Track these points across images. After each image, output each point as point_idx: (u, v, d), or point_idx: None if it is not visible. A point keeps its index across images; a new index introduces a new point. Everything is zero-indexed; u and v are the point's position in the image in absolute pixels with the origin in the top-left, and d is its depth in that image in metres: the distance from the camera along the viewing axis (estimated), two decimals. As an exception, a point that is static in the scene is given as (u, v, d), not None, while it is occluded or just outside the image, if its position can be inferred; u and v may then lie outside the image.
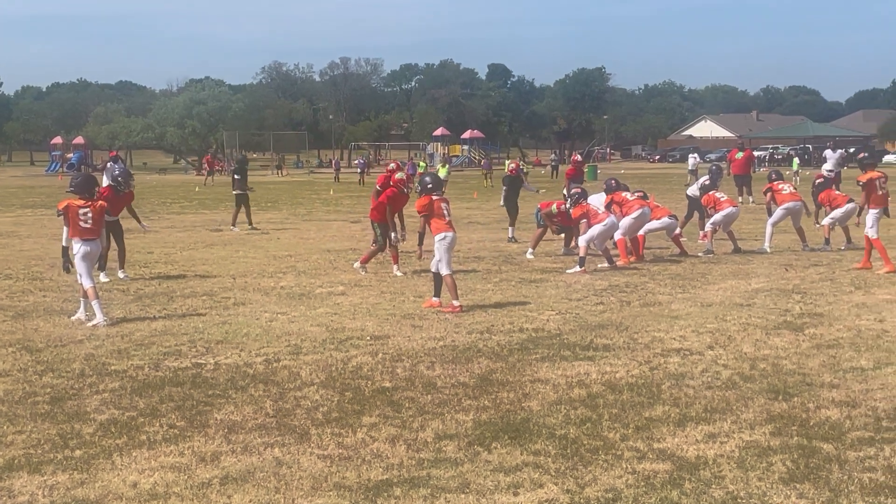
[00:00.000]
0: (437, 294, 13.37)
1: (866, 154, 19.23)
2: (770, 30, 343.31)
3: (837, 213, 19.50)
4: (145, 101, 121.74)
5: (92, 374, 9.62)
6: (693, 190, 21.56)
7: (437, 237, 13.24)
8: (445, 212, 13.51)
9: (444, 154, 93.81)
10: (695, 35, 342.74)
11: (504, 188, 23.76)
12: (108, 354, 10.48)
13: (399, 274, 16.46)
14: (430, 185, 13.65)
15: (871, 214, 16.51)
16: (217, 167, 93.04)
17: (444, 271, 13.11)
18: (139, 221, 17.38)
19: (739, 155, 35.85)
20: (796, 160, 65.38)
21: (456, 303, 12.95)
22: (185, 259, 19.38)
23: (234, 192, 26.69)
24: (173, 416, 8.08)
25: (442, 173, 50.30)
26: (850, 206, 19.39)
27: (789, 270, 16.56)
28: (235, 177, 26.65)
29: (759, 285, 14.98)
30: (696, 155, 58.77)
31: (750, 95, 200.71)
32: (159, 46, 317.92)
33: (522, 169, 24.57)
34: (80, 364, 10.04)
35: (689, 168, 54.68)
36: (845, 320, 12.02)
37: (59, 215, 12.59)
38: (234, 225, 26.04)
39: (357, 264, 16.97)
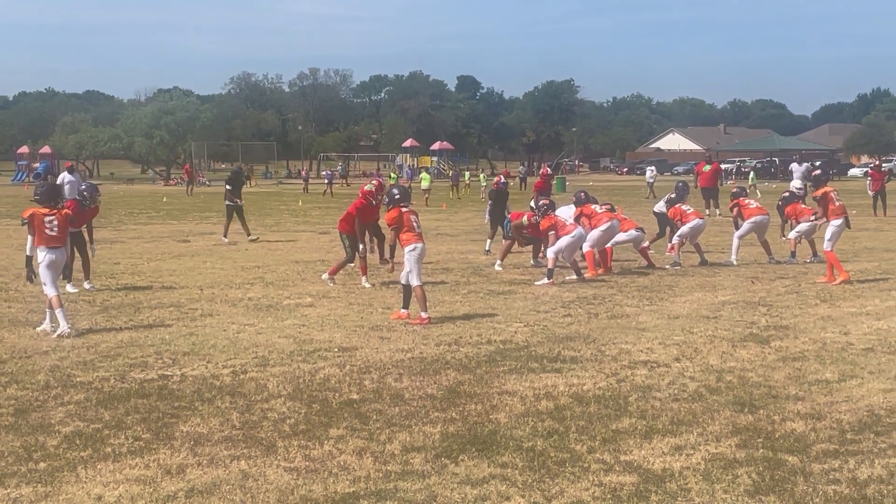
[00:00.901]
0: (406, 306, 13.38)
1: (819, 171, 19.49)
2: (737, 44, 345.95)
3: (803, 226, 19.63)
4: (113, 110, 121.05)
5: (57, 385, 9.55)
6: (660, 206, 21.61)
7: (407, 248, 13.27)
8: (415, 223, 13.54)
9: (429, 164, 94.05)
10: (663, 48, 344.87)
11: (490, 202, 23.15)
12: (73, 366, 10.40)
13: (367, 286, 16.43)
14: (397, 197, 13.71)
15: (830, 227, 16.71)
16: (185, 178, 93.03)
17: (415, 282, 13.14)
18: (90, 240, 17.13)
19: (707, 168, 36.09)
20: (752, 174, 65.96)
21: (424, 314, 12.97)
22: (152, 270, 19.27)
23: (225, 203, 26.45)
24: (139, 429, 8.03)
25: (425, 183, 50.49)
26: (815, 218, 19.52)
27: (755, 283, 16.67)
28: (227, 187, 26.44)
29: (725, 298, 15.07)
30: (653, 168, 59.24)
31: (717, 109, 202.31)
32: (127, 56, 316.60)
33: (507, 183, 24.37)
34: (44, 376, 9.96)
35: (648, 180, 54.93)
36: (811, 333, 12.11)
37: (23, 224, 12.51)
38: (224, 235, 25.69)
39: (325, 275, 16.92)
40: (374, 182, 18.25)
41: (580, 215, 18.39)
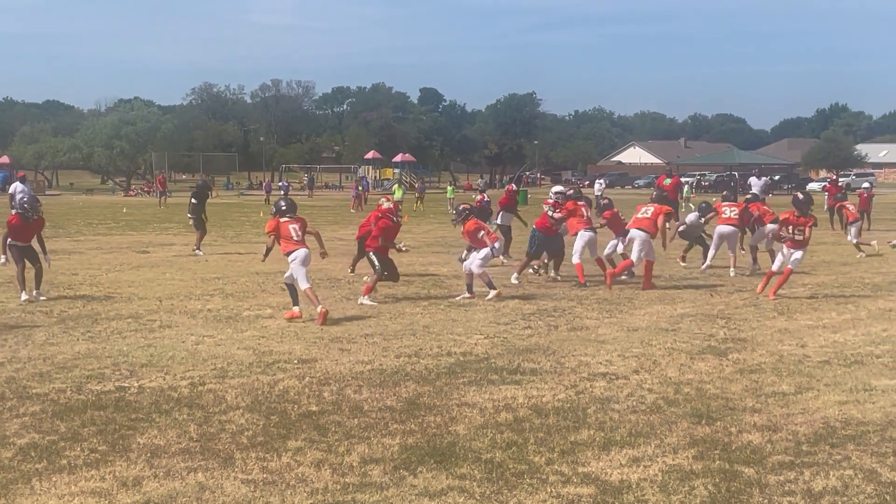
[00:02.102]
0: (296, 303, 14.29)
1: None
2: (698, 59, 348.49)
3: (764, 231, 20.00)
4: (73, 120, 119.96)
5: (12, 397, 9.45)
6: (691, 218, 21.65)
7: (288, 256, 14.46)
8: (293, 232, 14.63)
9: (391, 176, 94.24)
10: (624, 63, 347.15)
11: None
12: (29, 377, 10.31)
13: (367, 303, 15.99)
14: (283, 208, 14.92)
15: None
16: (145, 188, 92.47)
17: (303, 285, 14.22)
18: (44, 251, 17.01)
19: (668, 181, 36.30)
20: (686, 187, 66.32)
21: (320, 308, 13.86)
22: (111, 281, 19.13)
23: (190, 216, 25.98)
24: (95, 441, 7.97)
25: (397, 195, 50.59)
26: (771, 226, 19.67)
27: (714, 296, 16.79)
28: (193, 201, 26.05)
29: (684, 310, 15.16)
30: (601, 181, 59.91)
31: (678, 123, 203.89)
32: (87, 66, 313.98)
33: (490, 201, 24.35)
34: (0, 387, 9.85)
35: (595, 193, 55.31)
36: (768, 345, 12.21)
37: None
38: (198, 248, 25.30)
39: (364, 299, 16.19)
40: (386, 199, 18.39)
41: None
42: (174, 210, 52.17)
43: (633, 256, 17.80)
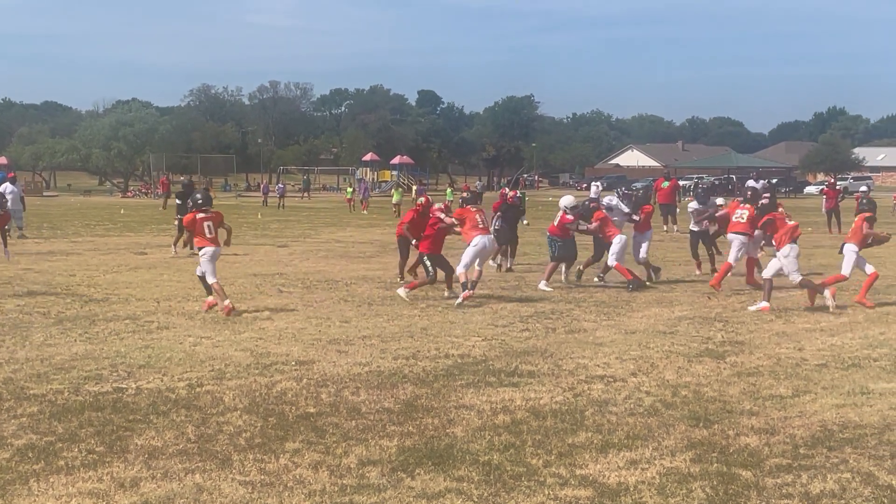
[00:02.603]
0: (209, 294, 15.21)
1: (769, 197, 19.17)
2: (696, 62, 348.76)
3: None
4: (71, 121, 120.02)
5: (10, 398, 9.45)
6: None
7: (200, 251, 15.25)
8: (207, 229, 15.30)
9: (388, 178, 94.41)
10: (622, 66, 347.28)
11: (499, 217, 22.38)
12: (26, 378, 10.30)
13: (404, 296, 16.40)
14: (200, 202, 15.56)
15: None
16: (143, 190, 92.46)
17: (210, 280, 15.03)
18: (5, 245, 17.04)
19: (666, 184, 36.35)
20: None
21: (227, 302, 14.79)
22: (109, 282, 19.12)
23: (177, 217, 25.81)
24: (92, 442, 7.96)
25: (395, 198, 51.14)
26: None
27: (712, 299, 16.79)
28: (178, 202, 26.06)
29: (682, 313, 15.17)
30: (598, 183, 60.06)
31: (676, 126, 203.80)
32: (85, 67, 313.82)
33: (521, 197, 23.99)
34: (-3, 388, 9.86)
35: (591, 196, 55.31)
36: (765, 348, 12.21)
37: None
38: (175, 247, 25.29)
39: (402, 291, 16.69)
40: (423, 198, 18.64)
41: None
42: (173, 211, 52.18)
43: (731, 258, 17.95)
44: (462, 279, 16.29)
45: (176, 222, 26.17)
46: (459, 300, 15.99)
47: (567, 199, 19.17)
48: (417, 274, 18.07)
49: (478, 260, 16.50)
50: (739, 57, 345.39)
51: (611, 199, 20.20)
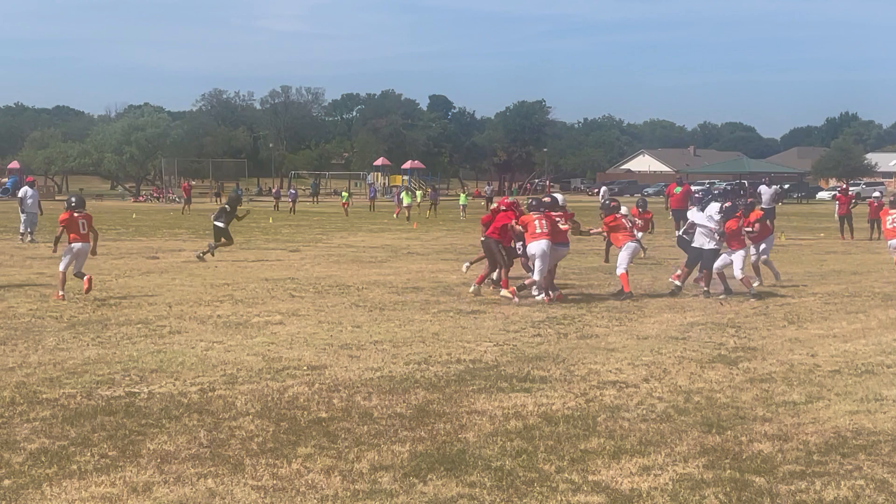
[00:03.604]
0: (62, 288, 17.14)
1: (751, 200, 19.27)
2: (708, 66, 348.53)
3: (764, 246, 19.85)
4: (83, 126, 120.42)
5: (22, 402, 9.46)
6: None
7: (72, 244, 17.23)
8: (80, 226, 17.28)
9: (399, 182, 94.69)
10: (634, 71, 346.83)
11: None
12: (39, 382, 10.32)
13: (506, 295, 17.08)
14: (73, 203, 17.52)
15: (738, 255, 17.68)
16: (155, 194, 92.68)
17: (61, 267, 17.17)
18: None
19: (678, 189, 36.29)
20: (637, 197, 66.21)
21: (61, 293, 16.87)
22: (121, 286, 19.16)
23: (215, 223, 25.96)
24: (105, 446, 7.97)
25: (406, 201, 51.89)
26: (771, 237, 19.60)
27: (724, 304, 16.75)
28: (226, 208, 26.11)
29: (694, 319, 15.14)
30: (606, 188, 60.66)
31: (687, 131, 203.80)
32: (98, 72, 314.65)
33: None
34: (10, 392, 9.87)
35: (602, 200, 55.56)
36: (778, 354, 12.18)
37: None
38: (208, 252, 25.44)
39: (504, 292, 17.23)
40: (495, 204, 18.93)
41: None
42: (194, 217, 52.37)
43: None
44: (536, 285, 17.04)
45: (215, 229, 25.91)
46: (539, 297, 17.01)
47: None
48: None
49: (540, 264, 16.77)
50: (752, 62, 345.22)
51: (697, 214, 18.84)
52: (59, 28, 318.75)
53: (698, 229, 18.28)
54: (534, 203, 17.82)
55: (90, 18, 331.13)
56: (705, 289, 18.03)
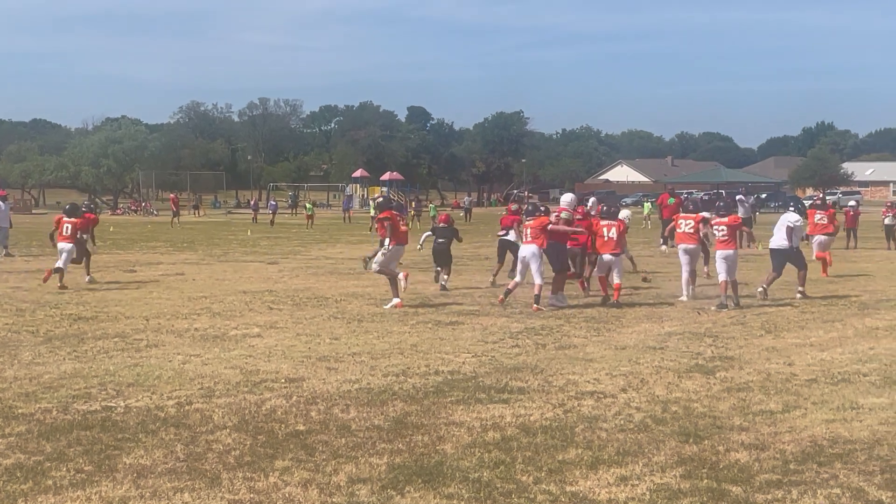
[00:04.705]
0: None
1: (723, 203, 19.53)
2: (685, 77, 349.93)
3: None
4: (60, 139, 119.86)
5: (-2, 417, 9.40)
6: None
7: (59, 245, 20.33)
8: (65, 229, 20.28)
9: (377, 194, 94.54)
10: (612, 81, 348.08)
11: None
12: (14, 397, 10.26)
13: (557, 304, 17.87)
14: (66, 209, 20.32)
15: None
16: (133, 207, 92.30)
17: (59, 264, 19.87)
18: None
19: (672, 200, 36.28)
20: (647, 204, 66.46)
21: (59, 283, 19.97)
22: (98, 300, 19.07)
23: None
24: (81, 461, 7.93)
25: (373, 212, 51.85)
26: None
27: (701, 314, 16.80)
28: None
29: (671, 329, 15.18)
30: (594, 198, 60.48)
31: (665, 141, 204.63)
32: (74, 85, 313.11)
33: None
34: (-15, 407, 9.81)
35: (591, 209, 55.52)
36: (755, 364, 12.22)
37: None
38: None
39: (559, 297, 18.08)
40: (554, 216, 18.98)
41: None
42: (181, 230, 52.19)
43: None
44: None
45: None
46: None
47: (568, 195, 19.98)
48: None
49: (533, 266, 17.71)
50: (728, 72, 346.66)
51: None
52: (36, 41, 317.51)
53: (782, 231, 19.68)
54: (530, 209, 18.63)
55: (67, 31, 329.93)
56: (764, 287, 19.09)
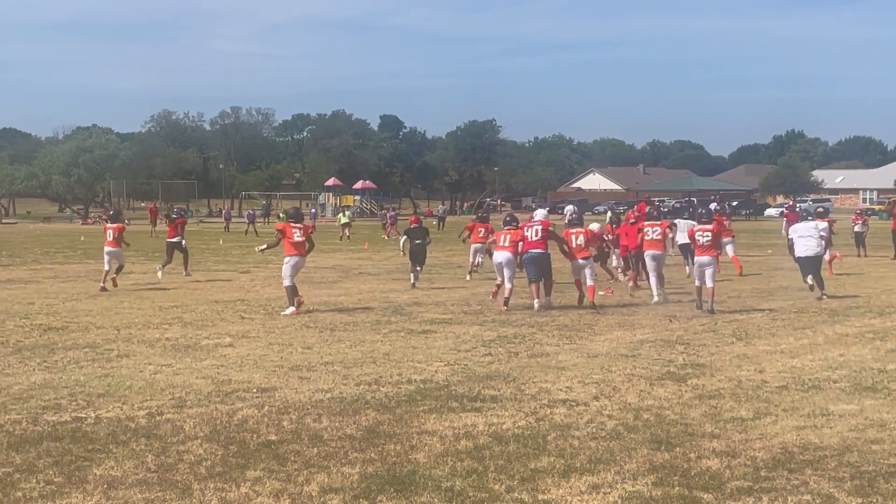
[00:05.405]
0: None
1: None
2: (656, 86, 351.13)
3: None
4: (31, 148, 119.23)
5: (-34, 429, 9.33)
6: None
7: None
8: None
9: (351, 203, 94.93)
10: (583, 90, 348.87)
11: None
12: (-16, 409, 10.18)
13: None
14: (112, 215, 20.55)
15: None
16: (104, 216, 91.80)
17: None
18: None
19: (649, 208, 36.42)
20: (609, 214, 66.61)
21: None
22: (68, 310, 18.96)
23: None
24: (51, 472, 7.87)
25: (343, 220, 52.54)
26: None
27: (673, 322, 16.86)
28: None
29: (644, 336, 15.22)
30: (572, 206, 60.88)
31: (637, 149, 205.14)
32: (45, 94, 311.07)
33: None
34: (-46, 419, 9.73)
35: (569, 217, 55.84)
36: (727, 371, 12.27)
37: None
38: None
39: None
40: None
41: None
42: (159, 240, 51.86)
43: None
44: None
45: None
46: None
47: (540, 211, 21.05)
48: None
49: (507, 272, 18.99)
50: (699, 81, 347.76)
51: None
52: (5, 50, 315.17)
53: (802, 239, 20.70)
54: (508, 219, 19.77)
55: (37, 40, 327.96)
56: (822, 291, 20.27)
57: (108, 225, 24.54)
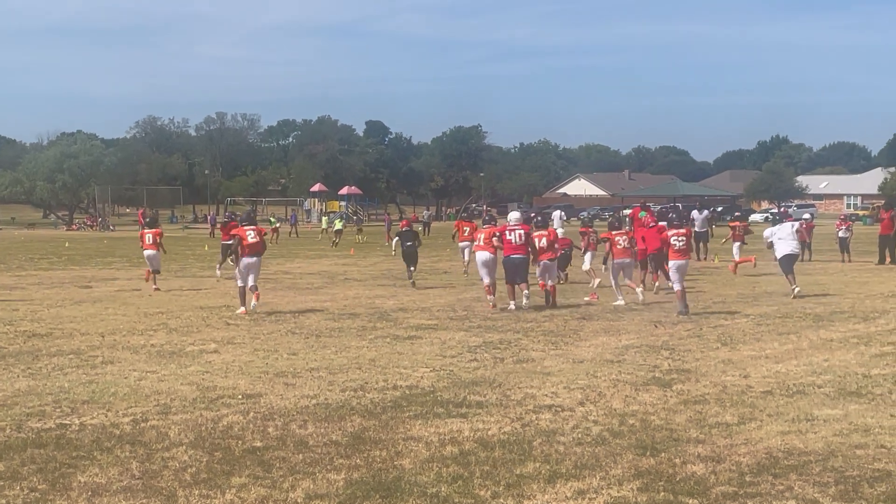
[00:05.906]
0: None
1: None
2: (641, 92, 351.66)
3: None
4: (15, 154, 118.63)
5: (-50, 436, 9.29)
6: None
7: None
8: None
9: (337, 208, 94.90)
10: (569, 95, 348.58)
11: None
12: (-33, 416, 10.14)
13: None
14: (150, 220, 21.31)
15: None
16: (88, 222, 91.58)
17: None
18: None
19: (643, 214, 36.40)
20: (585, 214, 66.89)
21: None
22: (52, 316, 18.89)
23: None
24: (35, 479, 7.84)
25: (338, 226, 52.70)
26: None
27: (658, 327, 16.89)
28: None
29: (629, 342, 15.24)
30: (560, 211, 60.75)
31: (622, 155, 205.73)
32: (29, 99, 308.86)
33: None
34: (-63, 426, 9.68)
35: (555, 224, 55.95)
36: (711, 376, 12.29)
37: None
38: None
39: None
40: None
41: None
42: (117, 244, 51.72)
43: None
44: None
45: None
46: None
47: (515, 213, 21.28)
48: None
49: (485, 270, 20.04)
50: (684, 87, 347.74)
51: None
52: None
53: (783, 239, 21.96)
54: (487, 218, 21.36)
55: (21, 45, 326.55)
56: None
57: (147, 230, 26.11)
